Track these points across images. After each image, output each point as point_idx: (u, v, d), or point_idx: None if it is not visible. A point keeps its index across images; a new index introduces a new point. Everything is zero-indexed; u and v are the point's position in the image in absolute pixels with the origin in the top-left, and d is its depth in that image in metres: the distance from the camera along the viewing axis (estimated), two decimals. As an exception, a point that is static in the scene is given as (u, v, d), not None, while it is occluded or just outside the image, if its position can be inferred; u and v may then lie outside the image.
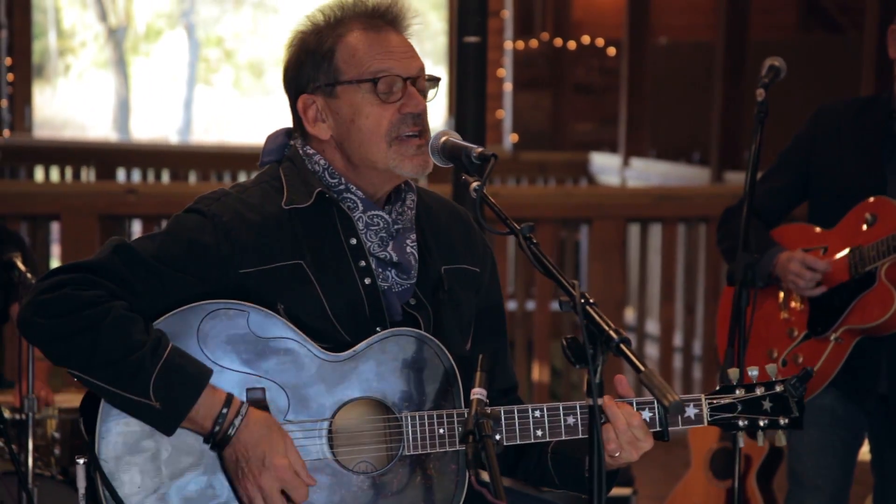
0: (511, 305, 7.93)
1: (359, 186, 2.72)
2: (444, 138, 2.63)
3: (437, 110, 5.54)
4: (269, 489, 2.55)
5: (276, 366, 2.62)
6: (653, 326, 8.06)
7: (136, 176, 11.31)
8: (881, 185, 3.86)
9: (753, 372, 2.72)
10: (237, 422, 2.55)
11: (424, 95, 2.73)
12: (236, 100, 25.74)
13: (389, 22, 2.74)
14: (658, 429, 2.63)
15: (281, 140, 2.82)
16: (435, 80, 2.75)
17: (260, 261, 2.64)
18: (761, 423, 2.71)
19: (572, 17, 13.79)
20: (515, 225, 2.45)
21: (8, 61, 12.11)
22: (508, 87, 13.79)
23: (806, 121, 4.08)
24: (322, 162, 2.73)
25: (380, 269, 2.71)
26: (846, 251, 3.87)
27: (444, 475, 2.66)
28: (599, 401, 2.24)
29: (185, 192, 7.48)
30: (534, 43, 13.85)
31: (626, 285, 7.74)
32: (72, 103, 25.51)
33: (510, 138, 13.69)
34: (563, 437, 2.64)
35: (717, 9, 9.35)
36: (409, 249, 2.74)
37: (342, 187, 2.72)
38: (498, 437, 2.61)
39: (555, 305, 8.48)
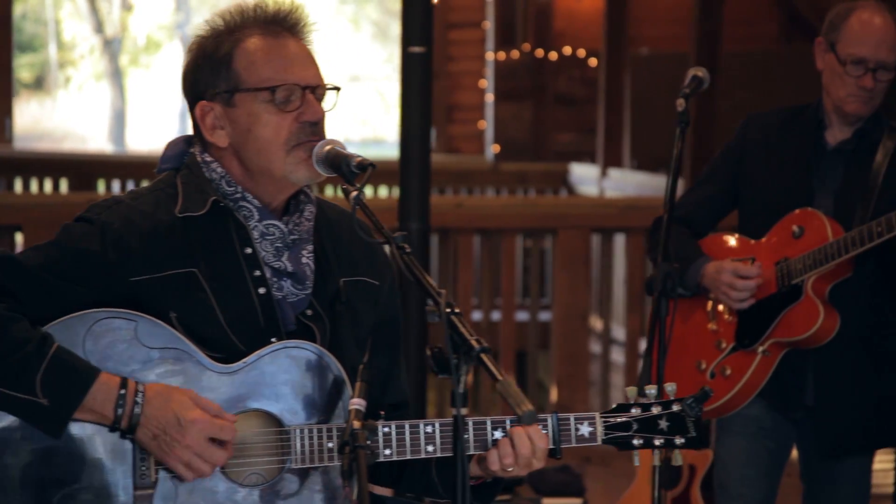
0: (476, 316, 7.92)
1: (255, 195, 2.71)
2: (328, 147, 2.63)
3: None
4: (198, 444, 2.53)
5: (164, 376, 2.59)
6: (619, 332, 8.05)
7: (116, 187, 11.31)
8: (808, 195, 3.85)
9: (651, 390, 2.71)
10: (139, 399, 2.53)
11: (321, 102, 2.71)
12: (234, 111, 25.77)
13: (288, 28, 2.72)
14: (552, 446, 2.64)
15: (180, 147, 2.80)
16: (335, 89, 2.74)
17: (151, 269, 2.62)
18: (657, 443, 2.69)
19: (554, 28, 13.78)
20: (389, 233, 2.48)
21: (-11, 74, 12.22)
22: (490, 97, 13.79)
23: (736, 129, 4.08)
24: (219, 170, 2.72)
25: (275, 279, 2.69)
26: (774, 263, 3.86)
27: (333, 489, 2.64)
28: (463, 410, 2.24)
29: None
30: (515, 54, 13.84)
31: (592, 293, 7.70)
32: (72, 115, 25.60)
33: (492, 149, 13.70)
34: None
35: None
36: (304, 260, 2.72)
37: (238, 196, 2.70)
38: (388, 451, 2.61)
39: (521, 316, 8.49)
